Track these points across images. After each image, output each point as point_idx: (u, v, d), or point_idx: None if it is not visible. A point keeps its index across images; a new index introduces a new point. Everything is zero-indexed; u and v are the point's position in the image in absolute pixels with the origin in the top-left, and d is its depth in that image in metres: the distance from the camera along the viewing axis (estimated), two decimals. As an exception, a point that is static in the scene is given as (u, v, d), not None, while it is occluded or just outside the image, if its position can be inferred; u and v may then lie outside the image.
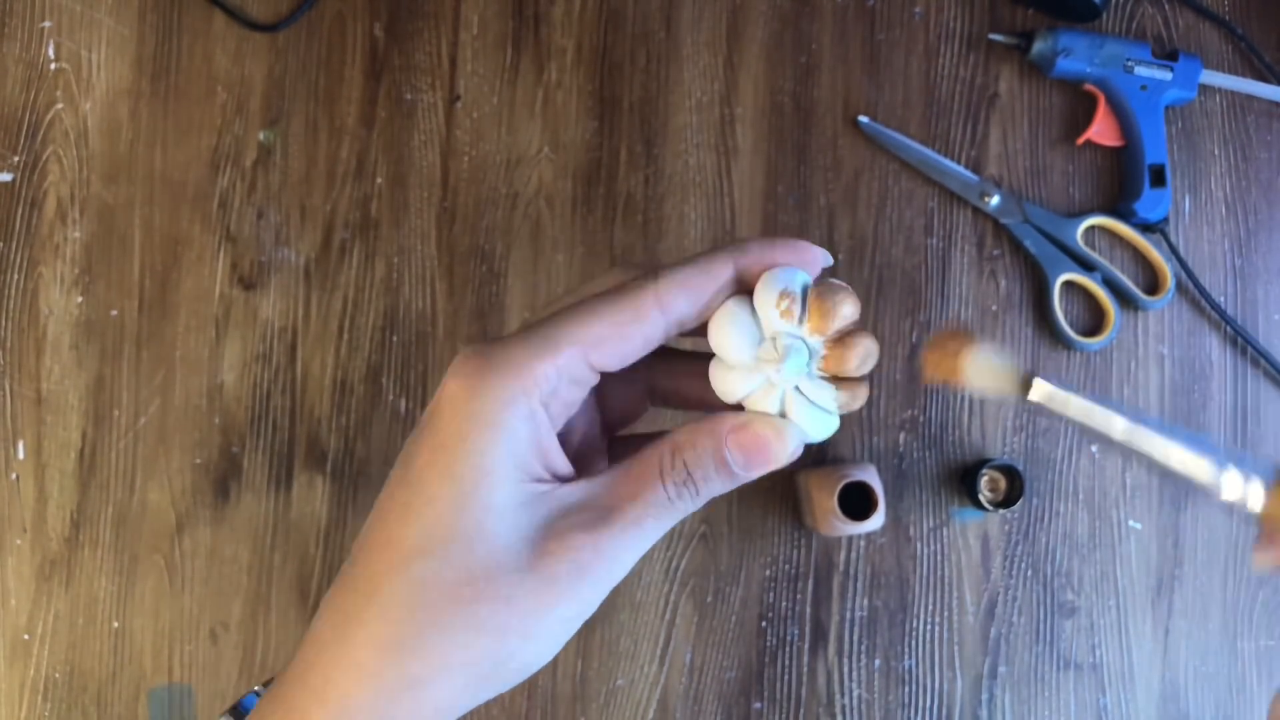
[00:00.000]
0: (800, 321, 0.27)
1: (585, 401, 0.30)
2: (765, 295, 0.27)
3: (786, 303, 0.27)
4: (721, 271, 0.28)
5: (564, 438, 0.30)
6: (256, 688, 0.34)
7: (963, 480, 0.67)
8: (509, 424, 0.26)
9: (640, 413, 0.34)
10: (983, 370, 0.29)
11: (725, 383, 0.28)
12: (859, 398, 0.28)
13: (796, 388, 0.28)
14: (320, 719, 0.26)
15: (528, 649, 0.27)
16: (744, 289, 0.28)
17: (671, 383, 0.33)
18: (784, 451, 0.28)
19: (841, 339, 0.27)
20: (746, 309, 0.28)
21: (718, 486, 0.29)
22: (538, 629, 0.27)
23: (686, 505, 0.28)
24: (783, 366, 0.27)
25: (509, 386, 0.27)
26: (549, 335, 0.27)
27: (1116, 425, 0.29)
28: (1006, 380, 0.30)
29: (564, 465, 0.29)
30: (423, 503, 0.27)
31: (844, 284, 0.28)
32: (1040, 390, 0.30)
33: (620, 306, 0.28)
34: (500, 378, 0.27)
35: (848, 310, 0.27)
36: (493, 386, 0.26)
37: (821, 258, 0.30)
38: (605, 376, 0.29)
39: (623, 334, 0.28)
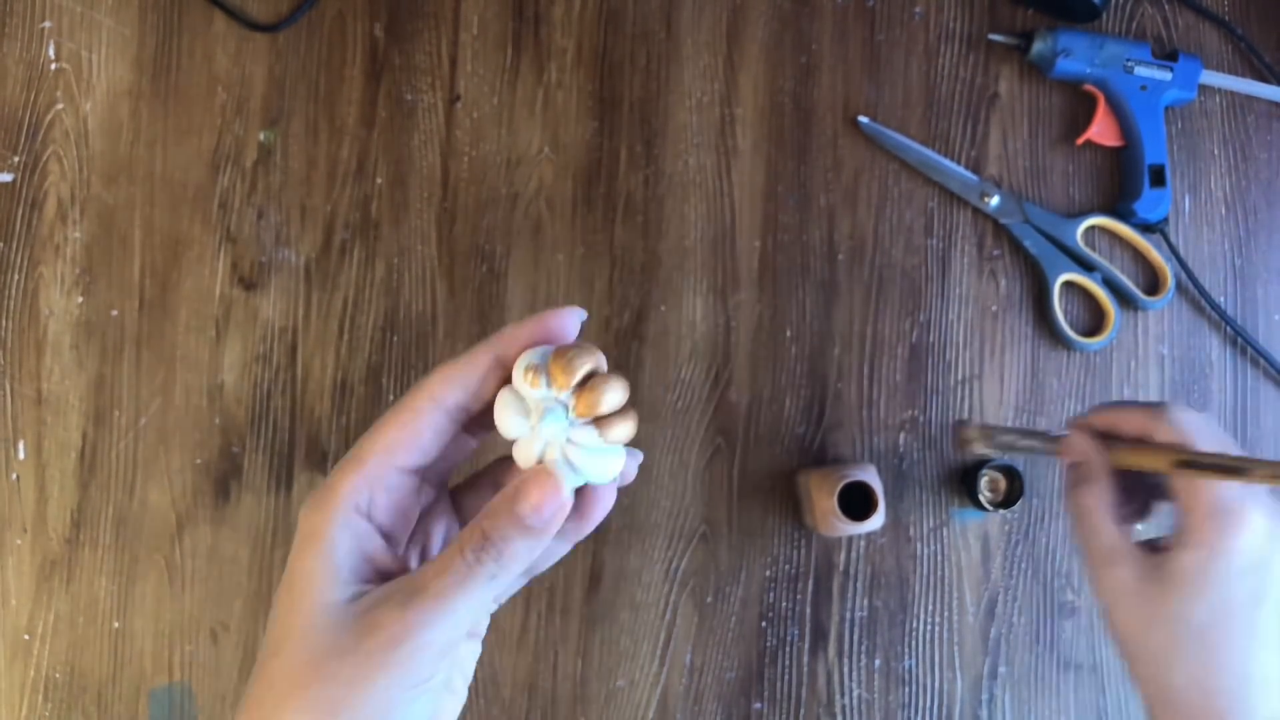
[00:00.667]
0: (549, 385, 0.31)
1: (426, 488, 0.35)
2: (516, 374, 0.32)
3: (530, 374, 0.31)
4: (481, 360, 0.33)
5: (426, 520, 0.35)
6: None
7: (963, 480, 0.67)
8: (329, 537, 0.31)
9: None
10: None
11: (519, 454, 0.32)
12: (626, 430, 0.31)
13: (570, 440, 0.31)
14: None
15: None
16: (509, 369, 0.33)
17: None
18: (558, 492, 0.31)
19: (585, 386, 0.31)
20: (513, 390, 0.32)
21: (520, 546, 0.31)
22: (367, 701, 0.30)
23: (490, 568, 0.31)
24: (539, 426, 0.31)
25: (325, 508, 0.32)
26: (355, 454, 0.32)
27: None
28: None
29: (392, 562, 0.33)
30: (274, 614, 0.32)
31: (582, 343, 0.32)
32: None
33: (401, 409, 0.33)
34: (319, 503, 0.32)
35: (583, 362, 0.31)
36: (314, 511, 0.32)
37: (569, 319, 0.33)
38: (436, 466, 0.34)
39: (412, 434, 0.33)
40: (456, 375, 0.33)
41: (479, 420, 0.34)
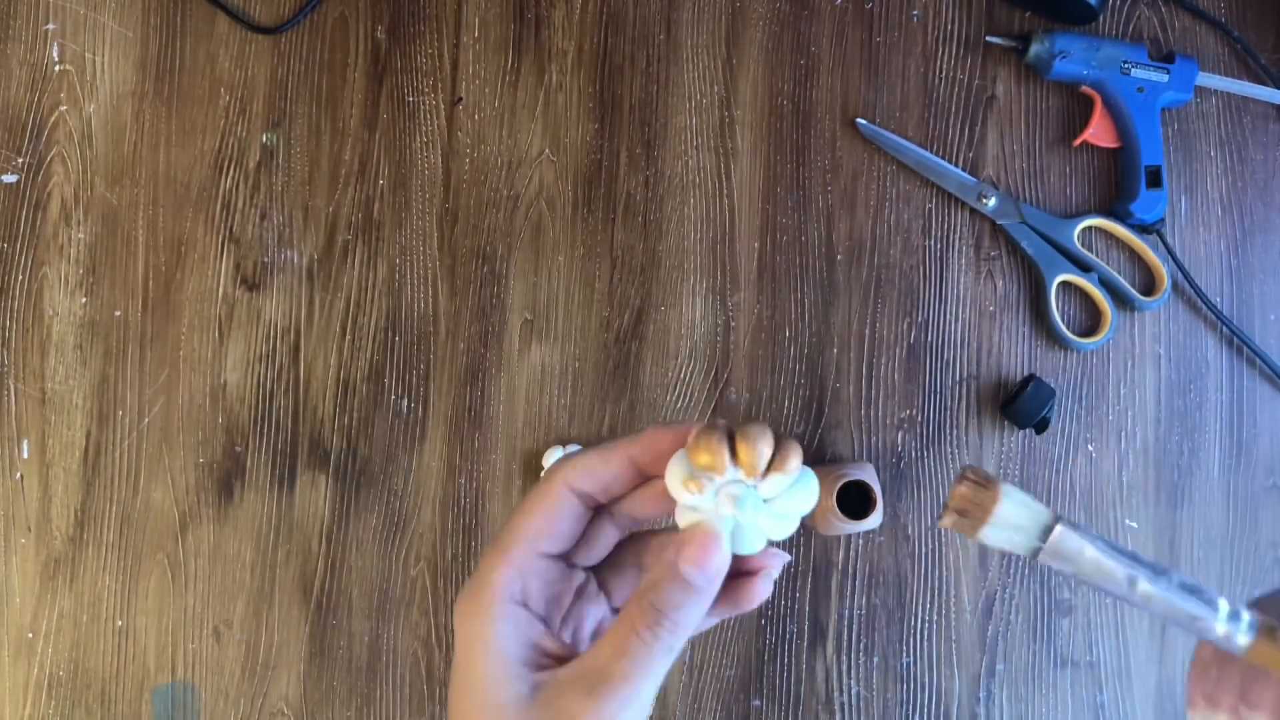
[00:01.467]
0: (734, 466, 0.31)
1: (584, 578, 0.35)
2: (682, 468, 0.32)
3: (710, 458, 0.31)
4: (617, 459, 0.33)
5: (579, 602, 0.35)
6: None
7: (1005, 408, 0.67)
8: (494, 633, 0.31)
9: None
10: (1009, 522, 0.30)
11: (681, 519, 0.32)
12: (808, 501, 0.32)
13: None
14: None
15: None
16: (642, 470, 0.33)
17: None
18: (718, 545, 0.31)
19: (771, 466, 0.31)
20: (683, 463, 0.32)
21: (689, 609, 0.31)
22: None
23: (667, 640, 0.30)
24: (737, 512, 0.31)
25: (483, 602, 0.32)
26: (499, 544, 0.33)
27: (1122, 579, 0.29)
28: (1029, 528, 0.30)
29: (558, 647, 0.32)
30: (454, 713, 0.32)
31: (759, 425, 0.32)
32: (1058, 542, 0.30)
33: (538, 496, 0.33)
34: (475, 597, 0.32)
35: (766, 445, 0.31)
36: (471, 605, 0.32)
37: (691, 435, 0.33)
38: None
39: (551, 519, 0.33)
40: (594, 468, 0.33)
41: (611, 510, 0.35)
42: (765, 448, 0.31)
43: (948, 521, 0.30)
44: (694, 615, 0.31)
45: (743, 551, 0.32)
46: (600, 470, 0.33)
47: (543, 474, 0.35)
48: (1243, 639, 0.28)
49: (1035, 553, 0.30)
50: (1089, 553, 0.29)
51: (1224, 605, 0.29)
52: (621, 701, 0.30)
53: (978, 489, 0.30)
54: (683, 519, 0.32)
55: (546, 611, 0.33)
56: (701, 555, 0.31)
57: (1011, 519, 0.29)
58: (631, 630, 0.30)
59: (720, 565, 0.31)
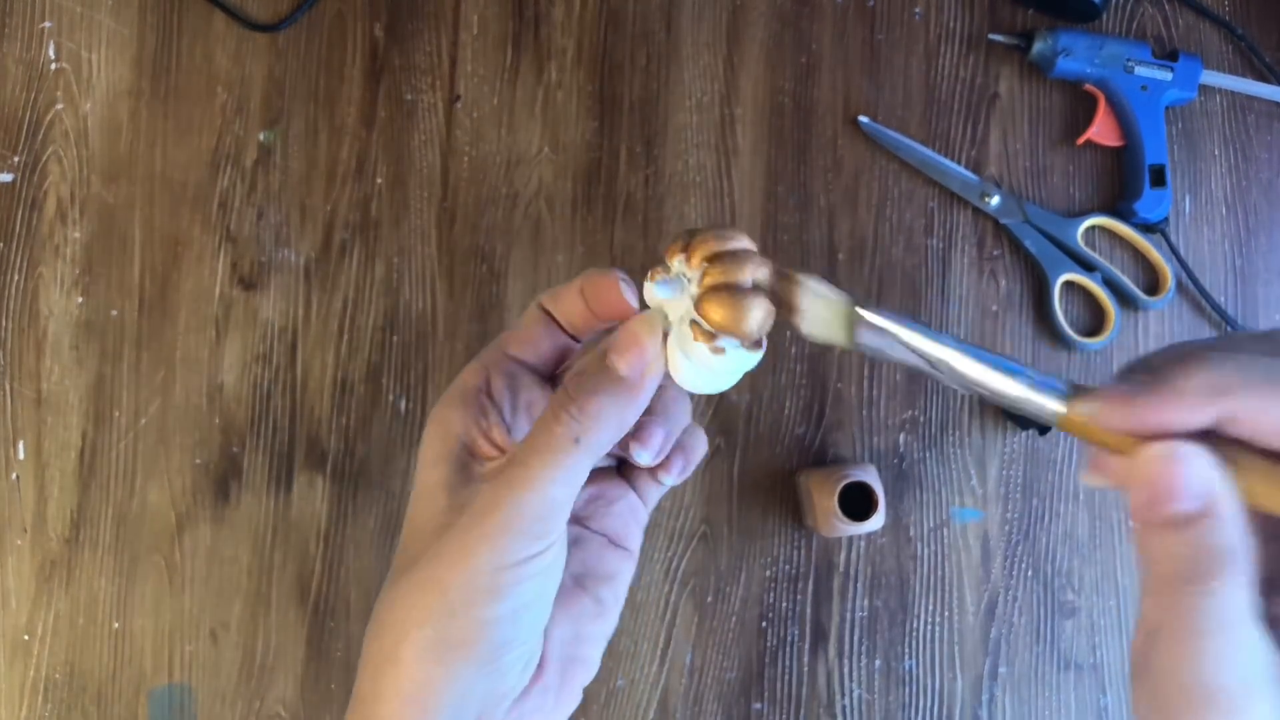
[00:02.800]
0: (685, 262, 0.30)
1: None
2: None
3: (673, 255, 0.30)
4: (576, 286, 0.34)
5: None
6: None
7: (1007, 409, 0.66)
8: (446, 418, 0.32)
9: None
10: (816, 307, 0.29)
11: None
12: (754, 317, 0.29)
13: (693, 319, 0.29)
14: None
15: (477, 602, 0.28)
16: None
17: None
18: (646, 344, 0.29)
19: (716, 260, 0.29)
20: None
21: (607, 401, 0.29)
22: (470, 579, 0.28)
23: (575, 429, 0.29)
24: (663, 298, 0.30)
25: (448, 396, 0.32)
26: (478, 354, 0.34)
27: (936, 351, 0.27)
28: (837, 317, 0.28)
29: (506, 438, 0.32)
30: (406, 516, 0.32)
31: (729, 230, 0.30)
32: (871, 324, 0.28)
33: (521, 317, 0.35)
34: (444, 396, 0.33)
35: (715, 244, 0.29)
36: (440, 404, 0.33)
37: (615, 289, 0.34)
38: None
39: (525, 332, 0.34)
40: (559, 293, 0.34)
41: None
42: (718, 242, 0.28)
43: (781, 315, 0.29)
44: (610, 411, 0.29)
45: (679, 378, 0.30)
46: (564, 295, 0.33)
47: None
48: (1055, 405, 0.26)
49: (850, 340, 0.29)
50: (901, 331, 0.28)
51: (1035, 371, 0.26)
52: (518, 487, 0.28)
53: (782, 281, 0.28)
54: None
55: (510, 405, 0.33)
56: (629, 344, 0.29)
57: (818, 311, 0.28)
58: (546, 425, 0.29)
59: (646, 359, 0.29)
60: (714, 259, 0.28)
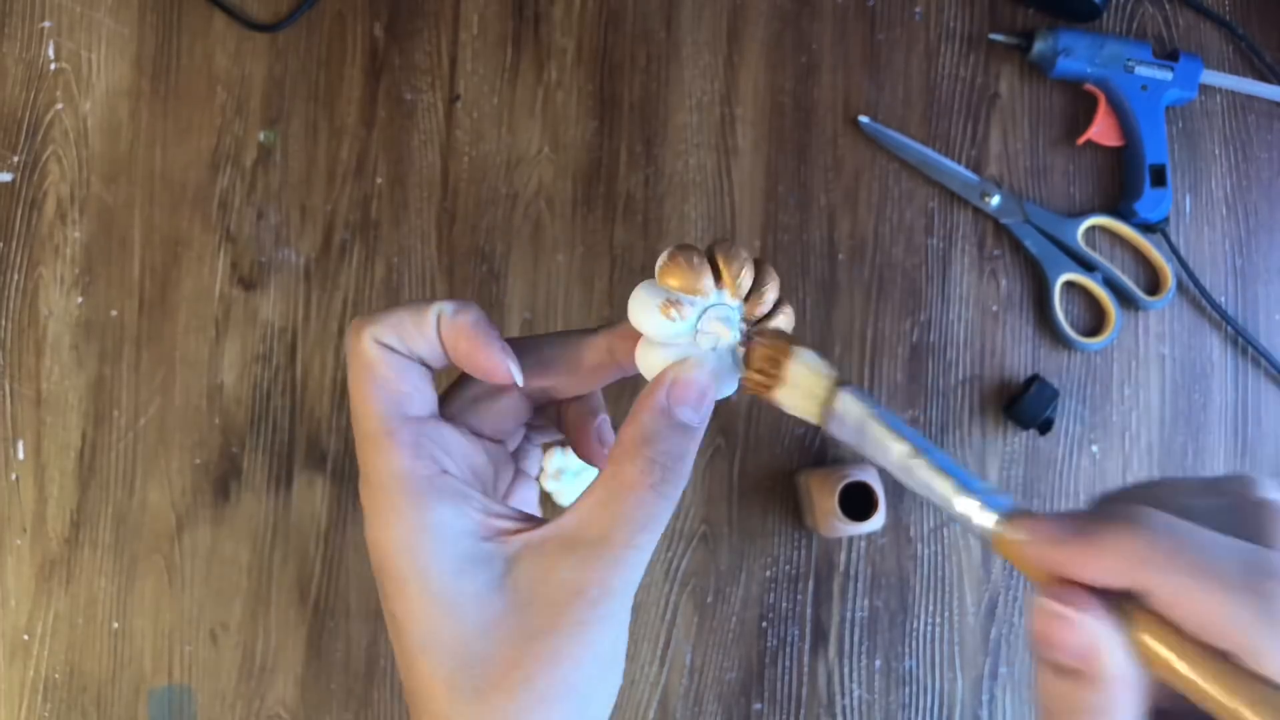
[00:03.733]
0: (717, 289, 0.28)
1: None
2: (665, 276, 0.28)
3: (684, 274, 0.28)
4: (426, 322, 0.29)
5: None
6: None
7: (1008, 409, 0.66)
8: (431, 521, 0.27)
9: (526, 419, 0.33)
10: (802, 381, 0.27)
11: (650, 358, 0.29)
12: (787, 323, 0.29)
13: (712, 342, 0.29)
14: None
15: (602, 690, 0.26)
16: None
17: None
18: (712, 379, 0.28)
19: (752, 291, 0.28)
20: (654, 291, 0.28)
21: (689, 453, 0.28)
22: (586, 676, 0.26)
23: (671, 493, 0.27)
24: (721, 334, 0.28)
25: (399, 496, 0.27)
26: (366, 432, 0.29)
27: (894, 451, 0.26)
28: (818, 393, 0.27)
29: (504, 512, 0.28)
30: (407, 624, 0.27)
31: (730, 242, 0.29)
32: (844, 409, 0.27)
33: (359, 369, 0.29)
34: (384, 498, 0.27)
35: (748, 268, 0.28)
36: (388, 510, 0.27)
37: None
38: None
39: (393, 384, 0.28)
40: (400, 326, 0.29)
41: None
42: (748, 266, 0.28)
43: (748, 385, 0.28)
44: (692, 458, 0.28)
45: (720, 395, 0.29)
46: (410, 330, 0.28)
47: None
48: (989, 522, 0.25)
49: (823, 419, 0.27)
50: (871, 427, 0.27)
51: (987, 486, 0.26)
52: (631, 566, 0.26)
53: (774, 344, 0.28)
54: (649, 358, 0.28)
55: (472, 478, 0.29)
56: (692, 393, 0.27)
57: (802, 380, 0.27)
58: (631, 490, 0.26)
59: (711, 401, 0.28)
60: (754, 290, 0.28)
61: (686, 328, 0.28)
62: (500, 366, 0.28)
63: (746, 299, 0.28)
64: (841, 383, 0.27)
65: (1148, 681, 0.23)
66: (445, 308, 0.28)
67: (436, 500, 0.27)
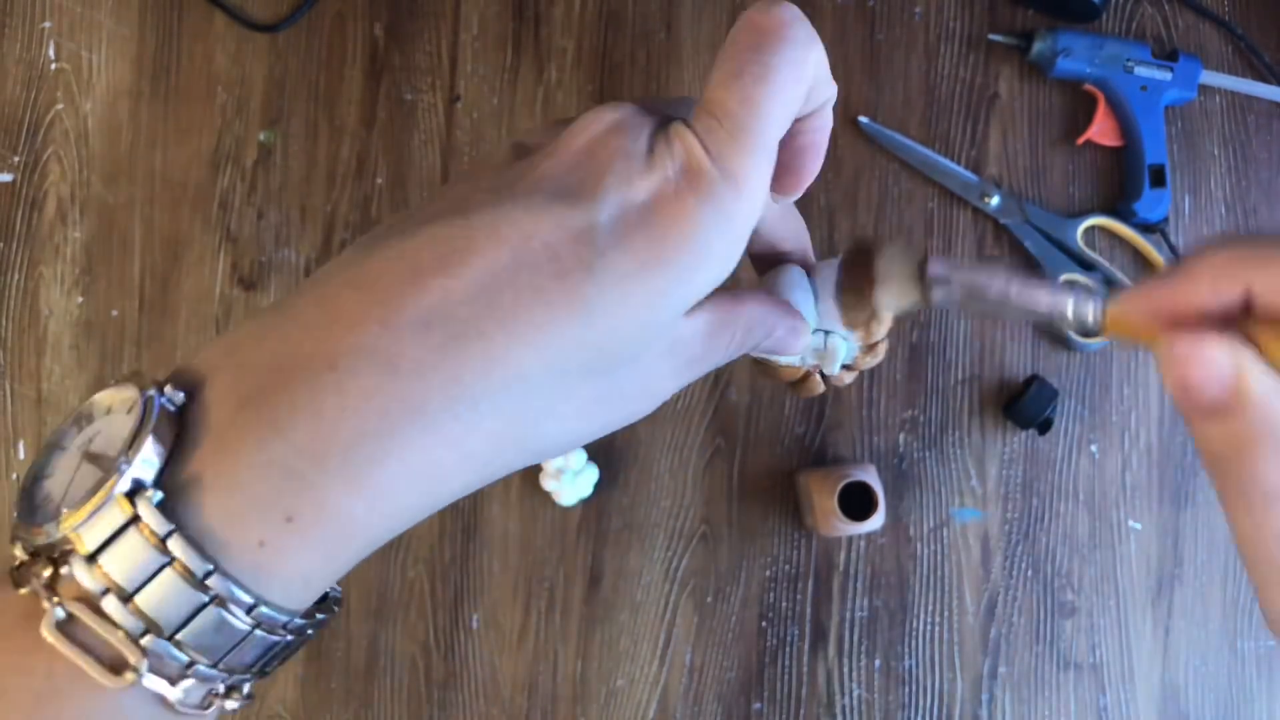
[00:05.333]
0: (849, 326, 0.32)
1: None
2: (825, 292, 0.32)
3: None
4: None
5: None
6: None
7: (1007, 408, 0.66)
8: (723, 273, 0.27)
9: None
10: (895, 276, 0.30)
11: (778, 285, 0.33)
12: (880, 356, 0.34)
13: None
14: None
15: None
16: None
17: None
18: (799, 353, 0.31)
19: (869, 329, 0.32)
20: (804, 292, 0.32)
21: (748, 346, 0.29)
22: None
23: (732, 354, 0.28)
24: (834, 364, 0.33)
25: (745, 235, 0.28)
26: None
27: (993, 290, 0.28)
28: (911, 281, 0.29)
29: None
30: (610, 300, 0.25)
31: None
32: (940, 278, 0.29)
33: None
34: (746, 225, 0.28)
35: (886, 328, 0.33)
36: (734, 232, 0.27)
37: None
38: None
39: None
40: None
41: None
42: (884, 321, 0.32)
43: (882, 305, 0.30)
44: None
45: (832, 367, 0.33)
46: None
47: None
48: (1097, 308, 0.27)
49: (925, 296, 0.29)
50: (967, 276, 0.29)
51: (1080, 283, 0.28)
52: (676, 379, 0.27)
53: (862, 251, 0.31)
54: (779, 284, 0.32)
55: None
56: (791, 343, 0.30)
57: (897, 269, 0.29)
58: (726, 340, 0.27)
59: (784, 353, 0.30)
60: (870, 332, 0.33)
61: (814, 321, 0.32)
62: (805, 178, 0.29)
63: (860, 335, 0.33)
64: (924, 259, 0.29)
65: None
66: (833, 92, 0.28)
67: (735, 258, 0.27)
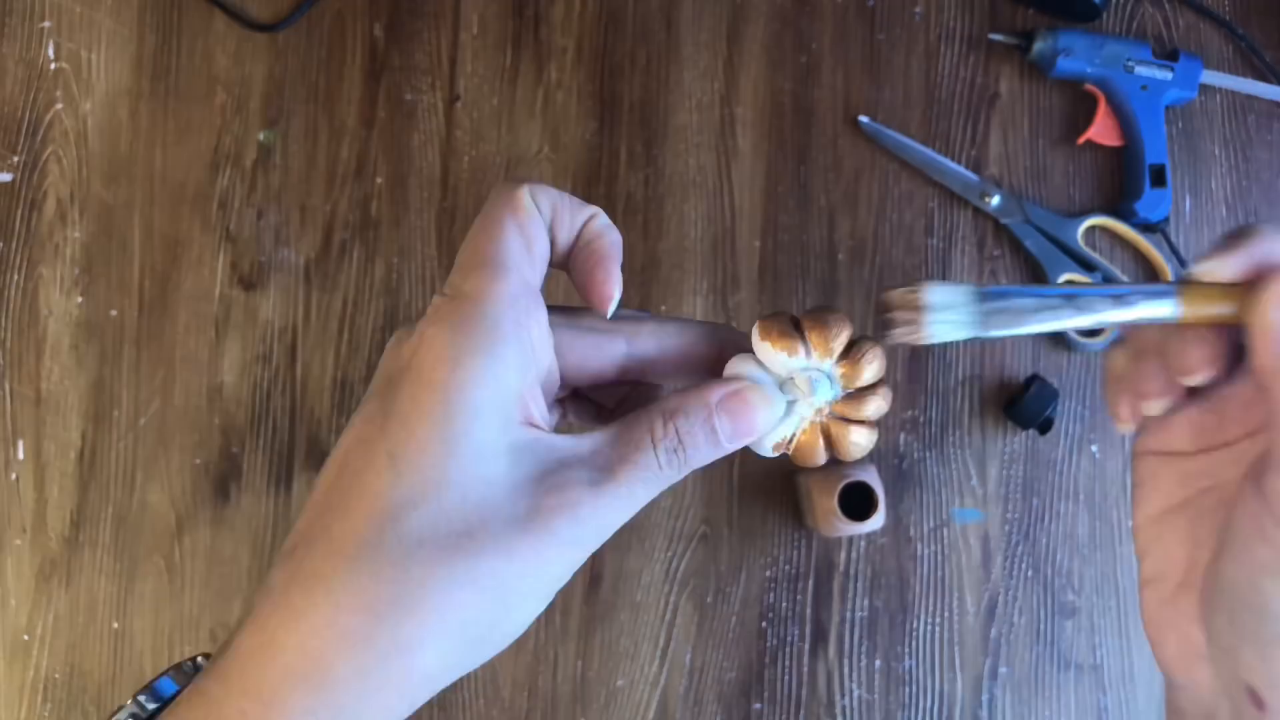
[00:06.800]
0: (808, 354, 0.29)
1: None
2: (758, 338, 0.29)
3: (781, 342, 0.29)
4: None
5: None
6: (186, 662, 0.29)
7: (1008, 408, 0.66)
8: (500, 356, 0.26)
9: (605, 377, 0.32)
10: (945, 306, 0.28)
11: (736, 370, 0.30)
12: (881, 405, 0.30)
13: (830, 414, 0.30)
14: (298, 696, 0.24)
15: (523, 608, 0.27)
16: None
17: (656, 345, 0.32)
18: (768, 420, 0.29)
19: (849, 355, 0.29)
20: (749, 359, 0.30)
21: (704, 455, 0.28)
22: (534, 586, 0.26)
23: (673, 474, 0.28)
24: (811, 399, 0.29)
25: (488, 314, 0.26)
26: (483, 261, 0.28)
27: (1055, 318, 0.28)
28: (962, 303, 0.28)
29: (544, 414, 0.28)
30: (410, 449, 0.25)
31: (829, 308, 0.30)
32: (992, 304, 0.28)
33: (508, 210, 0.29)
34: (474, 306, 0.27)
35: (841, 329, 0.29)
36: (471, 317, 0.26)
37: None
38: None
39: (529, 242, 0.29)
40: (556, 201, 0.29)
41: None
42: (843, 333, 0.29)
43: (899, 335, 0.28)
44: (705, 461, 0.28)
45: (762, 445, 0.30)
46: (562, 215, 0.29)
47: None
48: (1170, 308, 0.27)
49: (979, 323, 0.28)
50: (1022, 300, 0.28)
51: (1139, 288, 0.28)
52: (616, 509, 0.27)
53: (904, 293, 0.29)
54: (736, 369, 0.29)
55: (546, 359, 0.28)
56: (743, 416, 0.28)
57: (944, 301, 0.28)
58: (649, 446, 0.27)
59: (751, 435, 0.28)
60: (833, 344, 0.29)
61: (780, 370, 0.29)
62: (609, 287, 0.29)
63: (841, 364, 0.29)
64: (976, 289, 0.28)
65: None
66: (602, 215, 0.29)
67: (516, 344, 0.27)
